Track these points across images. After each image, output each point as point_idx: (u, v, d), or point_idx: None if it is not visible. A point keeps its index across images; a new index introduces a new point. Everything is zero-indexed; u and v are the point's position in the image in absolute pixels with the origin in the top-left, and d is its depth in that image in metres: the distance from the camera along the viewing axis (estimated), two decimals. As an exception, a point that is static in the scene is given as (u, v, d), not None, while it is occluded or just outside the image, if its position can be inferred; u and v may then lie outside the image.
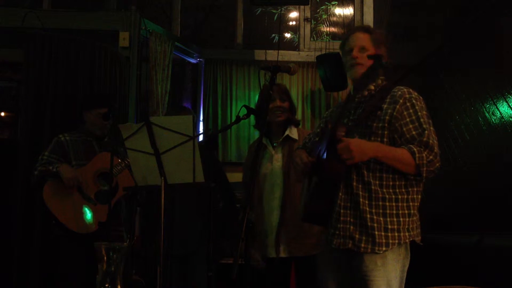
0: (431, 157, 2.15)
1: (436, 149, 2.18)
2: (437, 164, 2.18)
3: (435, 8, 4.54)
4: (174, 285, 3.39)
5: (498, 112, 3.33)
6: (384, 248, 2.19)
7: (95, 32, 4.87)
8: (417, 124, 2.21)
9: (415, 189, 2.28)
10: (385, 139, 2.25)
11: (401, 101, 2.25)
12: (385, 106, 2.26)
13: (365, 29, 2.45)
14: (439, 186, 4.09)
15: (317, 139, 2.51)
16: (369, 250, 2.20)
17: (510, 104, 3.20)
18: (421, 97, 2.29)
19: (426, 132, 2.19)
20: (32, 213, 4.07)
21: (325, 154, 2.25)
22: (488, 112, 3.44)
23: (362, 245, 2.21)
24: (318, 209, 2.36)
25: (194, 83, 6.21)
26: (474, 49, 3.77)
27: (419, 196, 2.30)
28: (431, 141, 2.18)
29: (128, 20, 4.83)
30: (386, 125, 2.24)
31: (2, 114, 6.47)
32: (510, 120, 3.19)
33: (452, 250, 3.36)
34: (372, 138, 2.25)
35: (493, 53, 3.50)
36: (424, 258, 3.70)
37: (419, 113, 2.23)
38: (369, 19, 6.01)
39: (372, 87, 2.36)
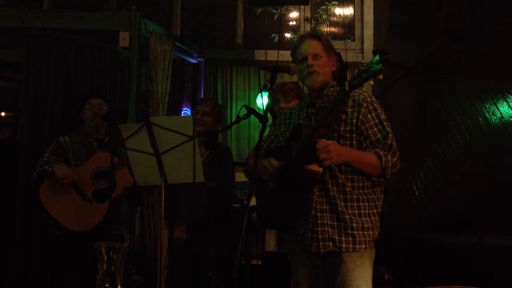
0: (394, 159, 2.27)
1: (397, 151, 2.29)
2: (399, 166, 2.29)
3: (435, 8, 4.54)
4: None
5: (498, 112, 3.33)
6: (363, 246, 2.29)
7: (95, 32, 4.87)
8: (380, 127, 2.32)
9: (379, 189, 2.38)
10: (354, 142, 2.33)
11: (364, 104, 2.33)
12: (349, 110, 2.33)
13: (316, 36, 2.48)
14: (439, 186, 4.09)
15: (281, 144, 2.53)
16: (350, 250, 2.27)
17: (510, 104, 3.20)
18: (378, 103, 2.38)
19: (390, 135, 2.30)
20: (32, 213, 4.07)
21: (298, 158, 2.27)
22: (488, 112, 3.44)
23: (343, 245, 2.28)
24: (286, 215, 2.39)
25: (194, 83, 6.21)
26: (474, 49, 3.77)
27: (382, 196, 2.40)
28: (394, 144, 2.29)
29: (128, 20, 4.83)
30: (354, 128, 2.32)
31: (2, 114, 6.47)
32: (510, 120, 3.19)
33: (452, 250, 3.36)
34: (342, 142, 2.30)
35: (493, 53, 3.49)
36: (424, 258, 3.70)
37: (382, 117, 2.34)
38: (369, 19, 6.02)
39: (330, 93, 2.41)
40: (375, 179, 2.31)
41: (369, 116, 2.32)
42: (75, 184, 3.34)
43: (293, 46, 2.52)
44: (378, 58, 1.94)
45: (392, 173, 2.27)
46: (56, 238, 3.41)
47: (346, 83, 2.08)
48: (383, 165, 2.23)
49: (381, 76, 1.96)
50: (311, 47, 2.42)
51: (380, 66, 1.94)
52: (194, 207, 3.34)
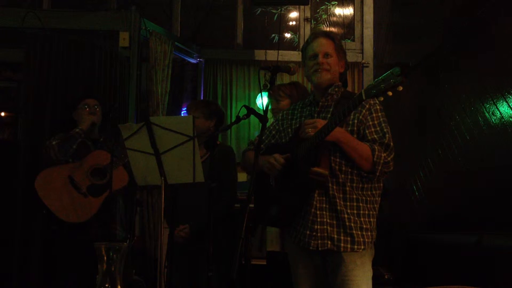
0: (388, 159, 2.26)
1: (393, 153, 2.28)
2: (392, 168, 2.28)
3: (435, 8, 4.55)
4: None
5: (498, 112, 3.33)
6: (362, 247, 2.29)
7: (95, 32, 4.87)
8: (378, 128, 2.32)
9: (378, 192, 2.39)
10: None
11: (367, 106, 2.35)
12: (353, 111, 2.31)
13: (329, 35, 2.50)
14: (439, 186, 4.09)
15: (283, 140, 2.56)
16: (348, 249, 2.28)
17: (510, 104, 3.20)
18: (382, 107, 2.39)
19: (387, 135, 2.30)
20: (32, 213, 4.07)
21: (304, 160, 2.28)
22: (488, 112, 3.45)
23: (342, 244, 2.28)
24: (286, 213, 2.40)
25: (194, 83, 6.21)
26: (474, 49, 3.77)
27: (380, 199, 2.42)
28: (391, 145, 2.29)
29: (128, 20, 4.83)
30: (355, 129, 2.34)
31: (2, 114, 6.47)
32: (510, 120, 3.19)
33: (452, 250, 3.36)
34: None
35: (493, 53, 3.50)
36: (424, 258, 3.70)
37: (381, 119, 2.35)
38: (369, 19, 6.01)
39: (334, 92, 2.43)
40: (365, 174, 2.29)
41: (368, 117, 2.34)
42: (71, 178, 3.34)
43: (305, 41, 2.54)
44: (399, 70, 1.92)
45: (383, 171, 2.26)
46: (54, 236, 3.40)
47: (363, 91, 2.07)
48: (374, 159, 2.22)
49: (401, 88, 1.94)
50: (323, 45, 2.44)
51: (400, 78, 1.92)
52: (195, 208, 3.34)
